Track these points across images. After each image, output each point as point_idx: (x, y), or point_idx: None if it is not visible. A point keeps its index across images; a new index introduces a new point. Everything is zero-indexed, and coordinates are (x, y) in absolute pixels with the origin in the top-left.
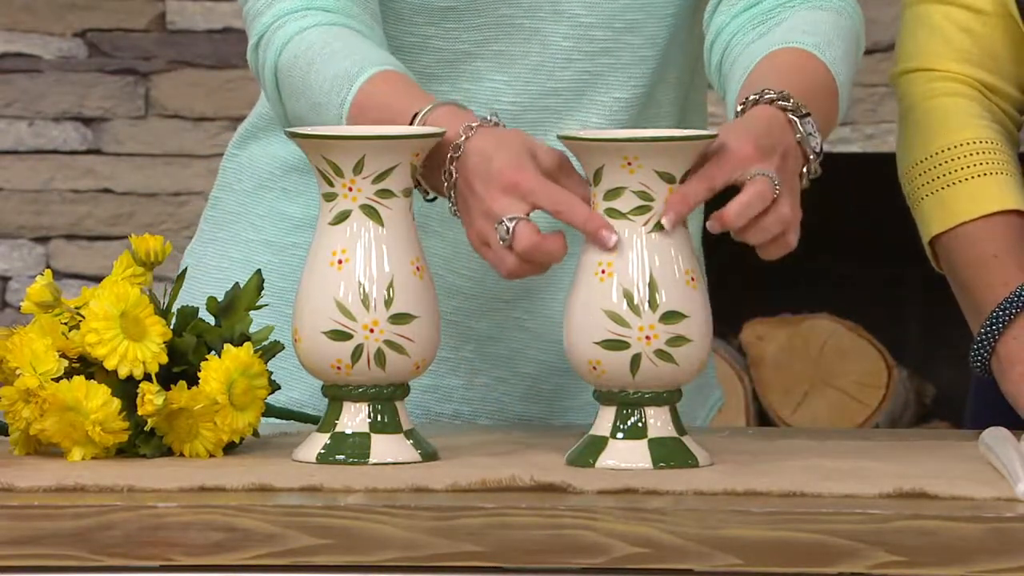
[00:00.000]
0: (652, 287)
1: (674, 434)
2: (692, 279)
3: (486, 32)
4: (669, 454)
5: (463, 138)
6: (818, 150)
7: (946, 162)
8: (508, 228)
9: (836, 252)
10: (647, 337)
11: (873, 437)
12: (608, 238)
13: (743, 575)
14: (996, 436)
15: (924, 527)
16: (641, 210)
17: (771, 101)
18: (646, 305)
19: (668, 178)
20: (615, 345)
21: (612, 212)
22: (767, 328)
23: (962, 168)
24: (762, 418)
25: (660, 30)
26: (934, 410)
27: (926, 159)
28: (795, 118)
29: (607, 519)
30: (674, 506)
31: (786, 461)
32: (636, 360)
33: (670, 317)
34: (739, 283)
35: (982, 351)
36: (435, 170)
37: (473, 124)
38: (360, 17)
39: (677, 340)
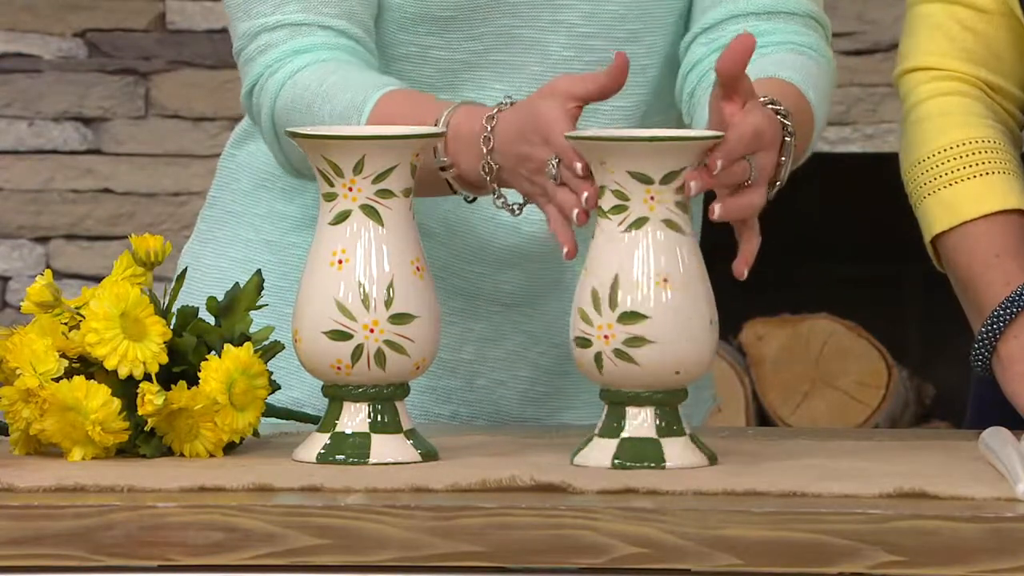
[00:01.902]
0: (615, 287)
1: (654, 435)
2: (665, 281)
3: (486, 42)
4: (646, 454)
5: (490, 128)
6: (782, 181)
7: (948, 161)
8: (553, 166)
9: (836, 252)
10: (605, 336)
11: (873, 437)
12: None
13: (743, 575)
14: (996, 436)
15: (924, 527)
16: (617, 209)
17: (774, 111)
18: (606, 304)
19: (643, 179)
20: (582, 343)
21: (597, 210)
22: (767, 328)
23: (964, 167)
24: (762, 418)
25: (659, 39)
26: (934, 410)
27: (928, 158)
28: (786, 138)
29: (607, 519)
30: (674, 506)
31: (786, 461)
32: (599, 358)
33: (628, 318)
34: (739, 283)
35: (983, 350)
36: (471, 163)
37: (492, 113)
38: (351, 49)
39: (635, 341)
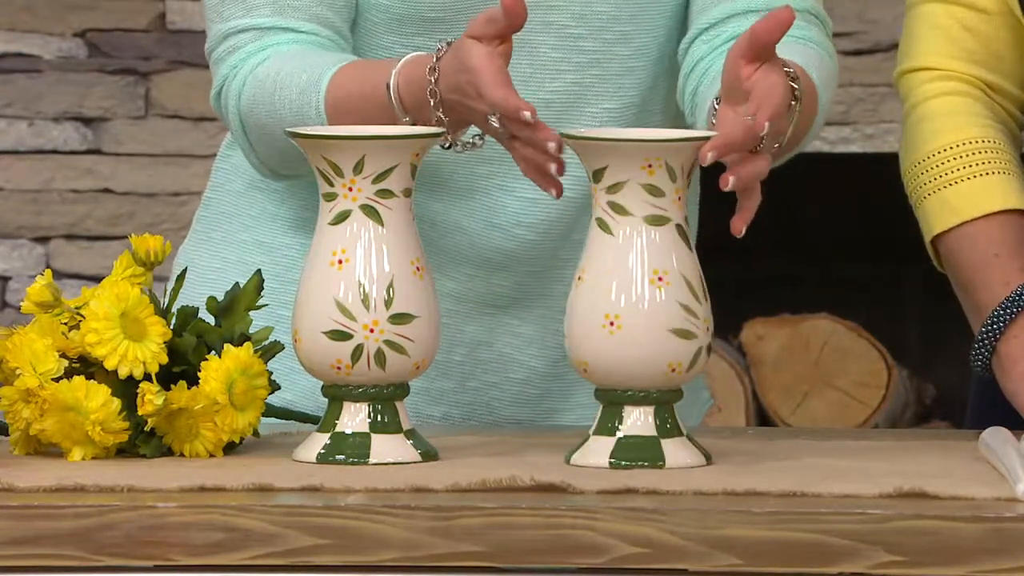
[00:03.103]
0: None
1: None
2: (579, 279)
3: None
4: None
5: (433, 81)
6: (783, 143)
7: (948, 161)
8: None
9: (836, 252)
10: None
11: (873, 437)
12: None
13: (743, 575)
14: (996, 436)
15: (924, 527)
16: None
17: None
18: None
19: (589, 176)
20: None
21: None
22: (767, 328)
23: (964, 167)
24: (762, 418)
25: (650, 41)
26: (934, 410)
27: (928, 158)
28: (792, 102)
29: (607, 519)
30: (674, 506)
31: (786, 461)
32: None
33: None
34: (739, 283)
35: (983, 350)
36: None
37: (433, 64)
38: (319, 43)
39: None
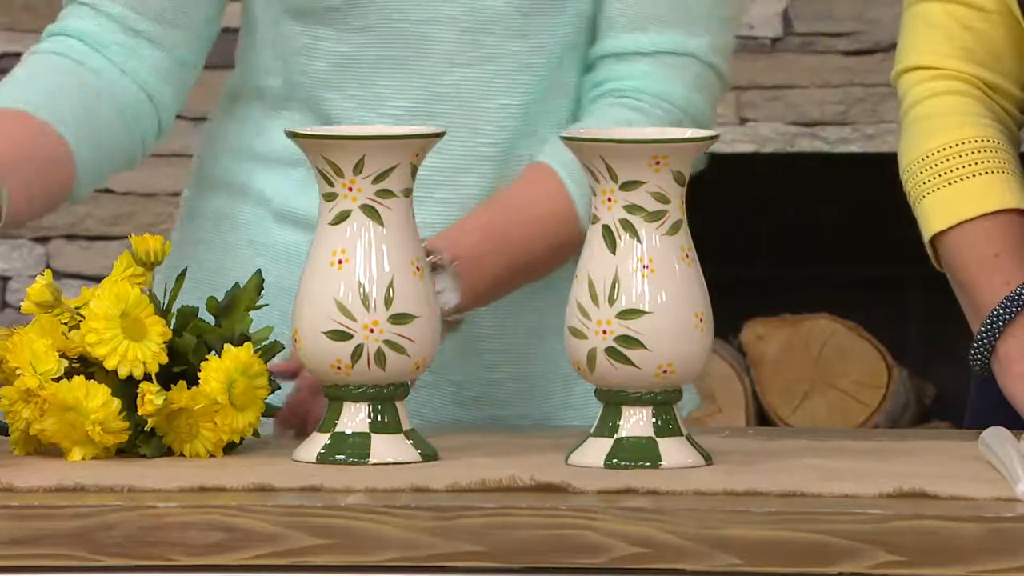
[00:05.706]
0: None
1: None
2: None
3: (369, 35)
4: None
5: None
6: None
7: (947, 160)
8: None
9: (836, 252)
10: None
11: (873, 437)
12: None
13: (743, 575)
14: (996, 436)
15: (924, 527)
16: None
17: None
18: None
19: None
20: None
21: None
22: (767, 328)
23: (963, 167)
24: (762, 418)
25: (548, 40)
26: (934, 410)
27: (927, 157)
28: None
29: (607, 519)
30: (674, 506)
31: (786, 461)
32: None
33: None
34: (739, 283)
35: (982, 350)
36: None
37: None
38: (109, 46)
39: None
